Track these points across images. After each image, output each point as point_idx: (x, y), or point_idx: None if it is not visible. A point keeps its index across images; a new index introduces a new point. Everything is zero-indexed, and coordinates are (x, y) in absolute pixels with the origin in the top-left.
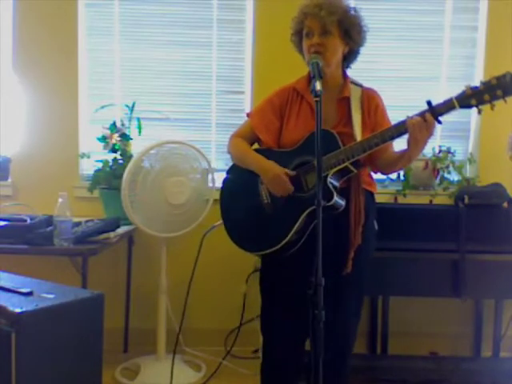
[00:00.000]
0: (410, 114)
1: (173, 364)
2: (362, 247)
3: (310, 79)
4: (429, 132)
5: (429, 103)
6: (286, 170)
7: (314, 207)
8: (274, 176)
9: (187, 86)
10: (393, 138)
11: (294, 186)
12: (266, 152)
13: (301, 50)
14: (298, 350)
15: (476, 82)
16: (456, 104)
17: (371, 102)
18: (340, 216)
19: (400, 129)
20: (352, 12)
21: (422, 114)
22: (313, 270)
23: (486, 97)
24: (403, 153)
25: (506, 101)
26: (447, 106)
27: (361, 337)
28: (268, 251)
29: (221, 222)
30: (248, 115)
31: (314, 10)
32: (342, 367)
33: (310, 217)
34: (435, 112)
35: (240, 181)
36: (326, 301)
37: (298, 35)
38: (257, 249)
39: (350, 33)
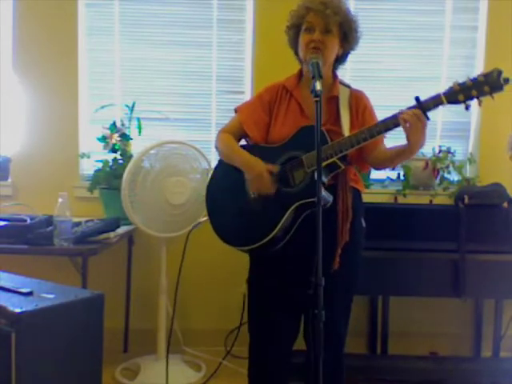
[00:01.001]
0: (399, 110)
1: (167, 364)
2: (349, 244)
3: (300, 77)
4: (422, 124)
5: (417, 99)
6: (270, 167)
7: (301, 202)
8: (257, 174)
9: (187, 86)
10: (380, 132)
11: (282, 181)
12: (253, 148)
13: (294, 44)
14: (287, 350)
15: None
16: (444, 99)
17: (359, 102)
18: (327, 213)
19: (388, 124)
20: (352, 17)
21: (410, 110)
22: (302, 268)
23: (474, 92)
24: (403, 148)
25: (493, 97)
26: (435, 102)
27: (361, 337)
28: (253, 246)
29: (207, 218)
30: (236, 110)
31: (319, 6)
32: (337, 365)
33: (297, 212)
34: (423, 107)
35: (227, 176)
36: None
37: (296, 29)
38: (243, 244)
39: (348, 36)
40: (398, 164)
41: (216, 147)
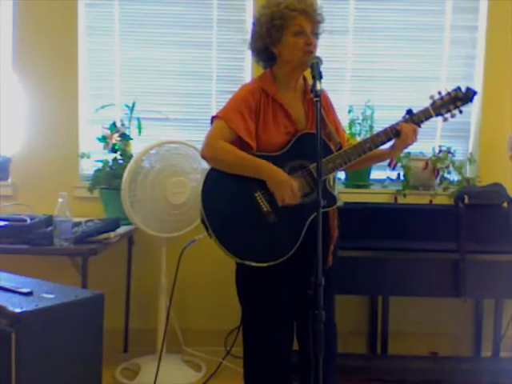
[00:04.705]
0: (394, 122)
1: (159, 363)
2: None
3: (274, 78)
4: (416, 138)
5: (409, 112)
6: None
7: (322, 210)
8: (285, 181)
9: (187, 86)
10: (383, 142)
11: None
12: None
13: (269, 44)
14: (287, 350)
15: (476, 82)
16: (432, 112)
17: (326, 100)
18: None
19: (389, 134)
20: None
21: (406, 122)
22: (302, 269)
23: (451, 107)
24: (383, 153)
25: (461, 111)
26: (425, 115)
27: (361, 337)
28: (278, 261)
29: (202, 235)
30: (219, 117)
31: (310, 9)
32: (333, 363)
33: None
34: (415, 120)
35: (227, 189)
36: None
37: (280, 31)
38: (264, 260)
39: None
40: (367, 166)
41: (213, 158)
